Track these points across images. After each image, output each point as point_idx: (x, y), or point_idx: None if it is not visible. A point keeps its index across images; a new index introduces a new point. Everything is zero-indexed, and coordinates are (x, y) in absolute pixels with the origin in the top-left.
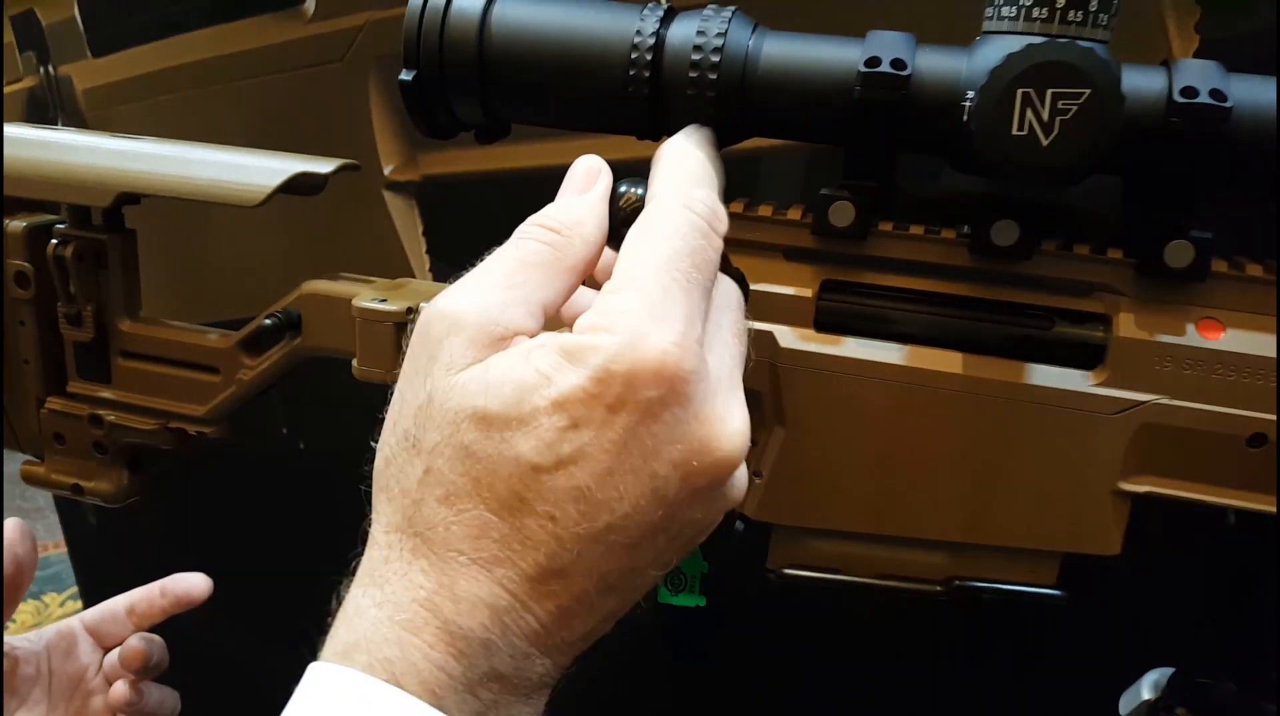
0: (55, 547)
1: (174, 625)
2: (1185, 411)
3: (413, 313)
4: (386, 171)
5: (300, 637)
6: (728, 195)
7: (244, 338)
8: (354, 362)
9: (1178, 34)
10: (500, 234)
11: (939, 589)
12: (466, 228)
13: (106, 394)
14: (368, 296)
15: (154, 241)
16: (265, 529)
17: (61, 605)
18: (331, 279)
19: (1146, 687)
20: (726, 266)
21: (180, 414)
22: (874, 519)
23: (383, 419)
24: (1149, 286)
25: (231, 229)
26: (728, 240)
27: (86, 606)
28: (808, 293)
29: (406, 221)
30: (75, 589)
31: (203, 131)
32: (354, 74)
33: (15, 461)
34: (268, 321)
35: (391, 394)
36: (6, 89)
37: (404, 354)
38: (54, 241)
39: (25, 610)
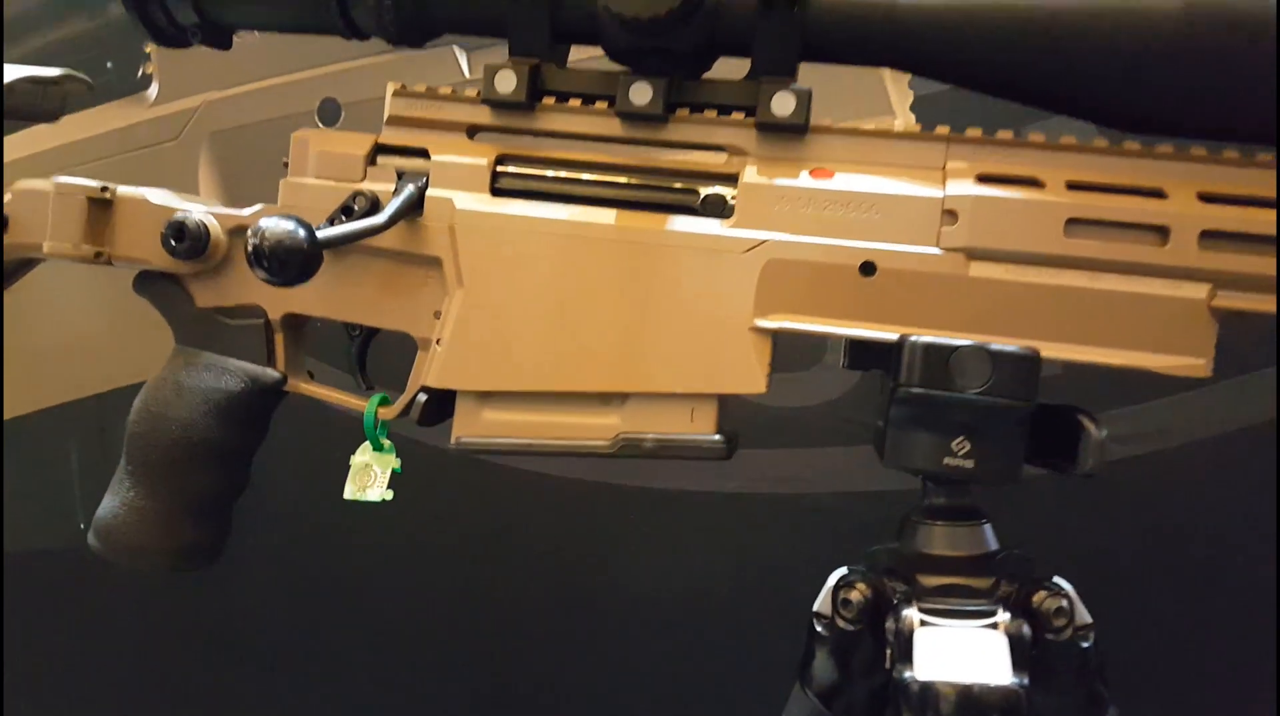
0: None
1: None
2: (803, 246)
3: (107, 189)
4: None
5: None
6: None
7: None
8: (45, 244)
9: None
10: None
11: (607, 444)
12: None
13: None
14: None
15: None
16: None
17: None
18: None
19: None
20: None
21: None
22: (547, 375)
23: None
24: (770, 143)
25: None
26: (418, 119)
27: None
28: (484, 162)
29: None
30: None
31: None
32: (186, 150)
33: None
34: None
35: None
36: None
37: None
38: None
39: None
